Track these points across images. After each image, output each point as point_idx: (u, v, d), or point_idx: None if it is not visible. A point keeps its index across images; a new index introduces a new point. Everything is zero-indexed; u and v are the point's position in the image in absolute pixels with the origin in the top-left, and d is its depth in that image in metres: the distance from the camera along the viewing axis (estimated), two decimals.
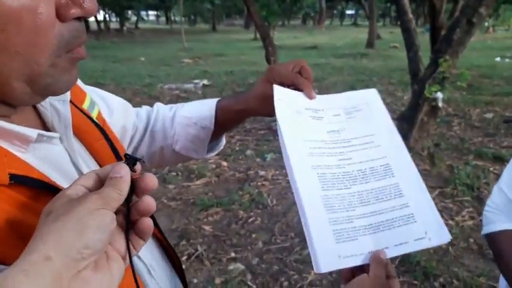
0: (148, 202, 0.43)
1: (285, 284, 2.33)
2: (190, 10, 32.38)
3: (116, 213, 0.39)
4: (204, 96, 7.28)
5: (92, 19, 23.15)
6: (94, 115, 0.64)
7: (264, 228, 2.90)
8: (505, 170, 1.08)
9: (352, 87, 7.56)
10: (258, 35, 8.57)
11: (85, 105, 0.63)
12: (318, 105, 0.70)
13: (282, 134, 0.62)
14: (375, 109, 0.70)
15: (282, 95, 0.68)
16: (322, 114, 0.69)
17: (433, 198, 2.85)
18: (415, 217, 0.59)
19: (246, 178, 3.72)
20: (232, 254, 2.61)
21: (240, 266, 2.48)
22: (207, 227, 2.91)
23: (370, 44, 16.40)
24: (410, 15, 4.44)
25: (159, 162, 0.88)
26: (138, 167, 0.43)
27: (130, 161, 0.43)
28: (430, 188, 3.38)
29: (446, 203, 3.16)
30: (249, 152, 4.32)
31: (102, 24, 27.31)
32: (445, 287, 2.28)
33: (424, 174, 3.67)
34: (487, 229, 1.07)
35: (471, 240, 2.68)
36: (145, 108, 0.88)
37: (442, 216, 2.88)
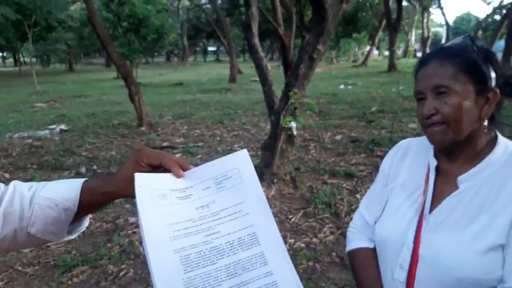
0: None
1: None
2: (42, 50, 29.75)
3: None
4: (62, 143, 6.68)
5: None
6: None
7: (137, 280, 2.73)
8: (364, 196, 1.23)
9: (220, 121, 7.82)
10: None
11: None
12: (187, 183, 0.70)
13: (142, 223, 0.62)
14: (244, 174, 0.71)
15: (143, 182, 0.67)
16: (190, 192, 0.70)
17: (298, 219, 3.02)
18: (278, 284, 0.63)
19: (114, 228, 3.48)
20: None
21: None
22: None
23: (232, 79, 17.31)
24: (261, 54, 4.83)
25: (8, 247, 0.79)
26: None
27: None
28: (295, 210, 3.64)
29: (310, 222, 3.43)
30: None
31: None
32: None
33: (289, 198, 3.95)
34: (347, 247, 1.19)
35: (333, 254, 2.95)
36: None
37: (307, 235, 3.09)
